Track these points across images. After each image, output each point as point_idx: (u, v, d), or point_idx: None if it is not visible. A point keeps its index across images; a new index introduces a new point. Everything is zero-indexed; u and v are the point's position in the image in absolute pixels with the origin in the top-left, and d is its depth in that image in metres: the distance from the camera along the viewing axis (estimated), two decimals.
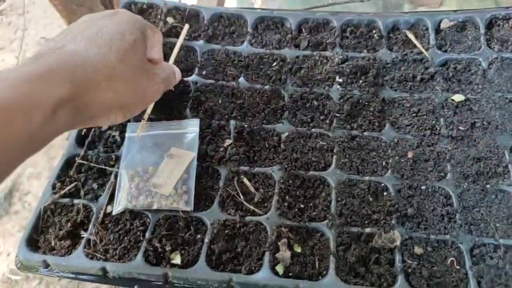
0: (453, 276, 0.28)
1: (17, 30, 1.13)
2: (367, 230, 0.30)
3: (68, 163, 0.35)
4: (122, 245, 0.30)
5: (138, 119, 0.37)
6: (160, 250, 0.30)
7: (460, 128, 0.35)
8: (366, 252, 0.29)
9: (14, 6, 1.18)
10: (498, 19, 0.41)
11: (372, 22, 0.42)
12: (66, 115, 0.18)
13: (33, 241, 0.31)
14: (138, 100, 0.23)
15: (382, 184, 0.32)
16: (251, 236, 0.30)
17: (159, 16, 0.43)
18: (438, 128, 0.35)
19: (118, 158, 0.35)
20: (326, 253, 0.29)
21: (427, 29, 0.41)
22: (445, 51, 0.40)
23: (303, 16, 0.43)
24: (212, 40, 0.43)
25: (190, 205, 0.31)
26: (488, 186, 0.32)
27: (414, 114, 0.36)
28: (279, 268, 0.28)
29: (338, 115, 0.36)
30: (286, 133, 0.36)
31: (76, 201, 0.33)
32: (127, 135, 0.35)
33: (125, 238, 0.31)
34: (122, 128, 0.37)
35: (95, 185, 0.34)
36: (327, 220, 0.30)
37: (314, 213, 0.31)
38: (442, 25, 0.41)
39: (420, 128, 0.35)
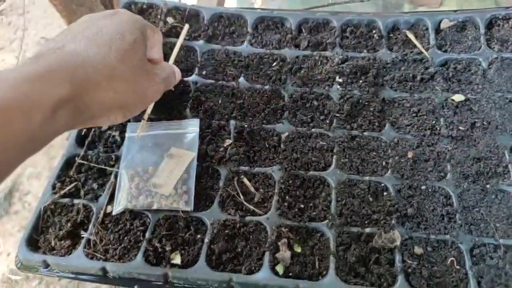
0: (453, 276, 0.28)
1: (17, 30, 1.13)
2: (367, 230, 0.30)
3: (68, 163, 0.35)
4: (122, 245, 0.30)
5: (138, 119, 0.37)
6: (160, 250, 0.30)
7: (460, 128, 0.35)
8: (366, 252, 0.29)
9: (14, 6, 1.18)
10: (498, 19, 0.41)
11: (372, 22, 0.42)
12: (66, 115, 0.18)
13: (33, 241, 0.31)
14: (138, 100, 0.23)
15: (382, 184, 0.32)
16: (251, 236, 0.30)
17: (159, 16, 0.43)
18: (438, 128, 0.35)
19: (118, 158, 0.35)
20: (326, 253, 0.29)
21: (427, 29, 0.41)
22: (445, 51, 0.40)
23: (303, 16, 0.43)
24: (212, 40, 0.43)
25: (190, 205, 0.31)
26: (488, 186, 0.32)
27: (414, 114, 0.36)
28: (279, 268, 0.29)
29: (338, 115, 0.36)
30: (286, 133, 0.36)
31: (76, 201, 0.33)
32: (127, 135, 0.35)
33: (125, 238, 0.31)
34: (122, 128, 0.37)
35: (95, 185, 0.34)
36: (327, 220, 0.30)
37: (314, 213, 0.31)
38: (442, 25, 0.42)
39: (420, 128, 0.35)
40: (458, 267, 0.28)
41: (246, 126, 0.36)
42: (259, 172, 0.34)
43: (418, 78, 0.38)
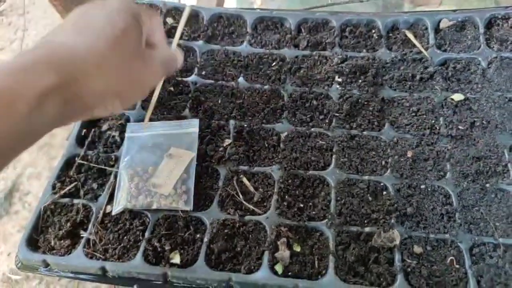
0: (452, 275, 0.28)
1: (17, 31, 1.13)
2: (367, 229, 0.30)
3: (68, 163, 0.35)
4: (122, 245, 0.30)
5: (139, 119, 0.38)
6: (159, 249, 0.30)
7: (460, 127, 0.35)
8: (366, 251, 0.29)
9: (14, 6, 1.19)
10: (497, 19, 0.41)
11: (371, 22, 0.42)
12: (55, 105, 0.17)
13: (33, 241, 0.31)
14: (135, 86, 0.22)
15: (382, 184, 0.32)
16: (250, 236, 0.30)
17: None
18: (437, 128, 0.35)
19: (117, 158, 0.35)
20: (325, 253, 0.29)
21: (426, 28, 0.41)
22: (445, 50, 0.40)
23: (303, 16, 0.43)
24: (211, 41, 0.43)
25: (190, 204, 0.32)
26: (487, 185, 0.32)
27: (413, 114, 0.36)
28: (278, 268, 0.29)
29: (337, 114, 0.36)
30: (286, 133, 0.36)
31: (75, 201, 0.33)
32: (126, 135, 0.35)
33: (125, 237, 0.31)
34: (122, 128, 0.37)
35: (94, 185, 0.34)
36: (326, 220, 0.30)
37: (314, 212, 0.31)
38: (442, 25, 0.42)
39: (420, 127, 0.35)
40: (457, 266, 0.28)
41: (245, 125, 0.36)
42: (258, 172, 0.34)
43: (418, 77, 0.38)
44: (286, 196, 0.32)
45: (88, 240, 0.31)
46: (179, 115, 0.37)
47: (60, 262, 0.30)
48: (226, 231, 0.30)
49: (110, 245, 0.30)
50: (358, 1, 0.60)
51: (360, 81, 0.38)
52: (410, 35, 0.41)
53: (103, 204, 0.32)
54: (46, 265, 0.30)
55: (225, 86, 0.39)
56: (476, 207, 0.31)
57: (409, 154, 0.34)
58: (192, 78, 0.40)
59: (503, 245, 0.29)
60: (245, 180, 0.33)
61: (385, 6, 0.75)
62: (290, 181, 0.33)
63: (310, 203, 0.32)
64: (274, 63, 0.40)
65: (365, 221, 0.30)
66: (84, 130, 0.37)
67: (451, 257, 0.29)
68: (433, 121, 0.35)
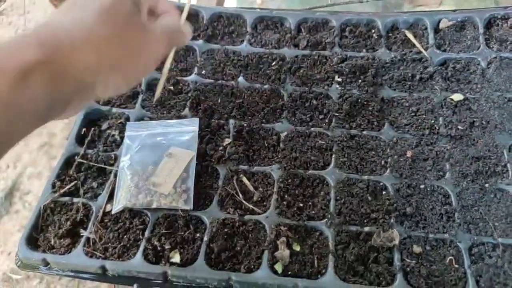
0: (451, 275, 0.28)
1: (17, 30, 1.13)
2: (366, 229, 0.30)
3: (68, 162, 0.35)
4: (122, 244, 0.30)
5: (138, 118, 0.38)
6: (159, 248, 0.30)
7: (459, 127, 0.35)
8: (365, 251, 0.29)
9: (14, 6, 1.19)
10: (497, 19, 0.41)
11: (371, 22, 0.42)
12: (42, 80, 0.16)
13: (33, 240, 0.31)
14: (134, 58, 0.20)
15: (381, 183, 0.32)
16: (250, 235, 0.30)
17: None
18: (437, 127, 0.35)
19: (117, 157, 0.35)
20: (325, 252, 0.29)
21: (426, 28, 0.42)
22: (444, 50, 0.40)
23: (302, 15, 0.43)
24: (211, 40, 0.43)
25: (190, 204, 0.32)
26: (487, 185, 0.32)
27: (413, 114, 0.36)
28: (278, 267, 0.29)
29: (337, 114, 0.36)
30: (285, 132, 0.36)
31: (75, 199, 0.33)
32: (126, 134, 0.36)
33: (125, 236, 0.31)
34: (121, 127, 0.37)
35: (94, 184, 0.34)
36: (326, 219, 0.30)
37: (313, 212, 0.31)
38: (441, 25, 0.42)
39: (419, 127, 0.35)
40: (456, 266, 0.28)
41: (245, 125, 0.36)
42: (258, 171, 0.34)
43: (417, 77, 0.38)
44: (286, 196, 0.32)
45: (88, 239, 0.31)
46: (179, 114, 0.37)
47: (60, 261, 0.30)
48: (226, 230, 0.30)
49: (110, 244, 0.30)
50: (358, 1, 0.60)
51: (359, 81, 0.38)
52: (410, 35, 0.41)
53: (103, 203, 0.32)
54: (46, 264, 0.30)
55: (225, 85, 0.39)
56: (475, 207, 0.31)
57: (409, 154, 0.34)
58: (192, 77, 0.40)
59: (502, 245, 0.29)
60: (244, 179, 0.33)
61: (385, 6, 0.75)
62: (289, 180, 0.33)
63: (310, 203, 0.32)
64: (274, 63, 0.40)
65: (365, 221, 0.30)
66: (84, 129, 0.37)
67: (450, 257, 0.29)
68: (433, 121, 0.36)
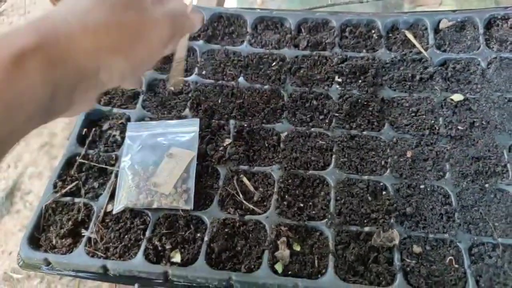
0: (451, 275, 0.28)
1: None
2: (366, 229, 0.30)
3: (69, 162, 0.36)
4: (123, 244, 0.30)
5: (139, 118, 0.38)
6: (160, 248, 0.30)
7: (459, 127, 0.35)
8: (365, 250, 0.29)
9: (15, 6, 1.19)
10: (497, 19, 0.41)
11: (371, 22, 0.43)
12: (40, 66, 0.16)
13: (35, 240, 0.31)
14: (134, 42, 0.19)
15: (381, 183, 0.32)
16: (250, 235, 0.30)
17: None
18: (437, 128, 0.35)
19: (118, 158, 0.35)
20: (325, 252, 0.29)
21: (426, 29, 0.42)
22: (444, 50, 0.40)
23: (303, 16, 0.43)
24: (211, 40, 0.43)
25: (190, 204, 0.32)
26: (487, 185, 0.32)
27: (413, 114, 0.36)
28: (278, 267, 0.29)
29: (337, 114, 0.36)
30: (286, 133, 0.36)
31: (77, 199, 0.33)
32: (127, 134, 0.36)
33: (126, 236, 0.31)
34: (122, 127, 0.37)
35: (95, 184, 0.34)
36: (326, 219, 0.31)
37: (313, 212, 0.31)
38: (441, 25, 0.42)
39: (419, 127, 0.35)
40: (456, 266, 0.28)
41: (245, 125, 0.36)
42: (258, 171, 0.34)
43: (417, 77, 0.38)
44: (286, 196, 0.32)
45: (89, 238, 0.31)
46: (180, 114, 0.37)
47: (61, 260, 0.30)
48: (226, 230, 0.30)
49: (111, 244, 0.30)
50: (358, 1, 0.60)
51: (360, 81, 0.38)
52: (410, 36, 0.41)
53: (104, 203, 0.32)
54: (48, 263, 0.30)
55: (225, 86, 0.39)
56: (475, 207, 0.31)
57: (409, 154, 0.34)
58: (192, 77, 0.40)
59: (502, 245, 0.29)
60: (245, 179, 0.33)
61: (385, 6, 0.75)
62: (290, 180, 0.33)
63: (310, 203, 0.32)
64: (274, 63, 0.40)
65: (365, 221, 0.31)
66: (85, 129, 0.37)
67: (450, 257, 0.29)
68: (433, 121, 0.36)
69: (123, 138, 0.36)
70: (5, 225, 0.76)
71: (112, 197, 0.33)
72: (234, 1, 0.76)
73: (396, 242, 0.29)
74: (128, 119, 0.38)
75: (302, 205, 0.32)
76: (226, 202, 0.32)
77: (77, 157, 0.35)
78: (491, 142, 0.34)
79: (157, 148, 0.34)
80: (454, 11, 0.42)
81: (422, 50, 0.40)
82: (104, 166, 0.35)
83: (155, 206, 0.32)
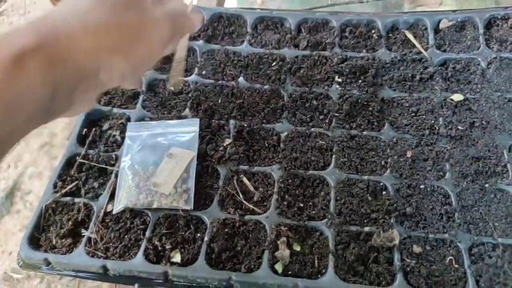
0: (451, 275, 0.28)
1: None
2: (366, 229, 0.30)
3: (69, 162, 0.36)
4: (123, 244, 0.30)
5: (139, 118, 0.38)
6: (160, 248, 0.30)
7: (459, 127, 0.35)
8: (365, 251, 0.29)
9: (15, 6, 1.19)
10: (497, 19, 0.41)
11: (371, 22, 0.43)
12: (40, 66, 0.16)
13: (35, 240, 0.31)
14: (134, 41, 0.19)
15: (381, 183, 0.32)
16: (250, 235, 0.30)
17: None
18: (437, 128, 0.35)
19: (118, 158, 0.35)
20: (325, 252, 0.29)
21: (426, 29, 0.42)
22: (444, 51, 0.40)
23: (303, 16, 0.43)
24: (211, 40, 0.43)
25: (190, 204, 0.32)
26: (487, 185, 0.32)
27: (413, 114, 0.36)
28: (278, 267, 0.29)
29: (337, 114, 0.36)
30: (286, 133, 0.36)
31: (77, 199, 0.33)
32: (127, 134, 0.36)
33: (126, 236, 0.31)
34: (122, 127, 0.37)
35: (95, 184, 0.34)
36: (326, 219, 0.31)
37: (313, 212, 0.31)
38: (441, 25, 0.42)
39: (419, 127, 0.35)
40: (456, 266, 0.28)
41: (245, 125, 0.36)
42: (258, 171, 0.34)
43: (417, 77, 0.38)
44: (286, 196, 0.32)
45: (89, 238, 0.31)
46: (180, 114, 0.38)
47: (61, 260, 0.30)
48: (226, 230, 0.30)
49: (111, 244, 0.30)
50: (358, 1, 0.60)
51: (360, 81, 0.38)
52: (410, 36, 0.41)
53: (104, 203, 0.32)
54: (48, 263, 0.30)
55: (225, 86, 0.39)
56: (475, 207, 0.31)
57: (409, 154, 0.34)
58: (192, 77, 0.40)
59: (502, 245, 0.29)
60: (245, 179, 0.33)
61: (385, 6, 0.75)
62: (290, 180, 0.33)
63: (310, 203, 0.32)
64: (274, 63, 0.40)
65: (365, 221, 0.31)
66: (85, 129, 0.37)
67: (450, 257, 0.29)
68: (433, 121, 0.36)
69: (123, 138, 0.36)
70: (5, 225, 0.76)
71: (112, 197, 0.33)
72: (234, 1, 0.76)
73: (396, 242, 0.29)
74: (128, 119, 0.38)
75: (302, 205, 0.32)
76: (226, 202, 0.32)
77: (77, 157, 0.35)
78: (491, 142, 0.34)
79: (157, 148, 0.34)
80: (454, 11, 0.42)
81: (422, 50, 0.40)
82: (104, 166, 0.35)
83: (155, 206, 0.32)
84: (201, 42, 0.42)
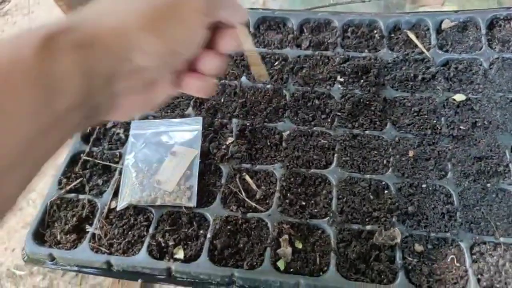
0: (453, 274, 0.28)
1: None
2: (368, 227, 0.30)
3: (74, 159, 0.36)
4: (126, 240, 0.31)
5: (144, 117, 0.38)
6: (163, 244, 0.30)
7: (461, 127, 0.35)
8: (367, 249, 0.29)
9: (19, 6, 1.20)
10: (499, 20, 0.41)
11: (373, 22, 0.43)
12: (67, 48, 0.15)
13: (40, 235, 0.32)
14: (165, 16, 0.17)
15: (383, 182, 0.33)
16: (252, 232, 0.31)
17: None
18: (439, 127, 0.35)
19: (122, 155, 0.35)
20: (327, 250, 0.29)
21: (428, 29, 0.42)
22: (446, 51, 0.40)
23: (305, 16, 0.44)
24: None
25: (193, 201, 0.32)
26: (488, 185, 0.32)
27: (415, 114, 0.37)
28: (280, 264, 0.29)
29: (339, 114, 0.37)
30: (288, 132, 0.36)
31: (81, 196, 0.34)
32: (131, 132, 0.36)
33: (129, 232, 0.31)
34: (126, 126, 0.37)
35: (100, 181, 0.34)
36: (328, 217, 0.31)
37: (315, 210, 0.32)
38: (443, 26, 0.42)
39: (421, 127, 0.36)
40: (458, 264, 0.29)
41: (248, 124, 0.36)
42: (261, 170, 0.34)
43: (419, 77, 0.39)
44: (288, 194, 0.32)
45: (93, 234, 0.31)
46: (183, 113, 0.38)
47: (66, 256, 0.30)
48: (229, 227, 0.31)
49: (115, 240, 0.31)
50: (360, 1, 0.60)
51: (362, 81, 0.39)
52: (412, 36, 0.41)
53: (108, 199, 0.33)
54: (52, 258, 0.31)
55: (228, 85, 0.39)
56: (477, 207, 0.31)
57: (411, 153, 0.34)
58: None
59: (504, 244, 0.29)
60: (247, 177, 0.33)
61: (387, 7, 0.75)
62: (292, 179, 0.33)
63: (312, 201, 0.32)
64: (276, 63, 0.41)
65: (367, 219, 0.31)
66: (89, 127, 0.38)
67: (451, 256, 0.29)
68: (435, 121, 0.36)
69: (127, 136, 0.36)
70: (8, 223, 0.76)
71: (116, 194, 0.33)
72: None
73: (398, 240, 0.29)
74: (132, 117, 0.38)
75: (304, 203, 0.32)
76: (228, 200, 0.32)
77: (82, 155, 0.36)
78: (493, 142, 0.34)
79: (161, 146, 0.35)
80: (456, 11, 0.43)
81: (424, 50, 0.40)
82: (108, 163, 0.35)
83: (158, 203, 0.32)
84: None
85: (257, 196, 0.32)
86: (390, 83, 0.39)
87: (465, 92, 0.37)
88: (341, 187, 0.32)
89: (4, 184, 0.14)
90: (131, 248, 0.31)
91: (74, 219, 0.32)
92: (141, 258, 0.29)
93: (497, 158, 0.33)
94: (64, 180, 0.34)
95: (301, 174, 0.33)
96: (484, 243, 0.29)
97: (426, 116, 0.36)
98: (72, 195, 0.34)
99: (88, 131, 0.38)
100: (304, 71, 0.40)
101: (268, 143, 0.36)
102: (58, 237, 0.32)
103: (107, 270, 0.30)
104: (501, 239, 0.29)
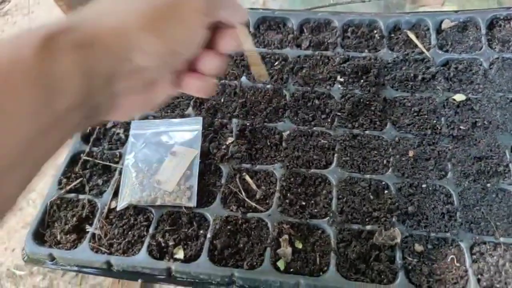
0: (453, 274, 0.28)
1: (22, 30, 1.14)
2: (368, 227, 0.30)
3: (74, 159, 0.36)
4: (126, 240, 0.31)
5: (144, 117, 0.38)
6: (163, 244, 0.30)
7: (461, 127, 0.35)
8: (367, 249, 0.29)
9: (19, 6, 1.20)
10: (499, 20, 0.41)
11: (373, 22, 0.43)
12: (66, 48, 0.15)
13: (40, 235, 0.32)
14: (164, 16, 0.17)
15: (383, 182, 0.33)
16: (252, 232, 0.31)
17: None
18: (439, 127, 0.35)
19: (122, 155, 0.35)
20: (327, 250, 0.29)
21: (428, 29, 0.42)
22: (446, 51, 0.40)
23: (305, 16, 0.44)
24: None
25: (193, 201, 0.32)
26: (488, 185, 0.32)
27: (415, 114, 0.37)
28: (280, 264, 0.29)
29: (339, 114, 0.37)
30: (288, 132, 0.36)
31: (81, 196, 0.34)
32: (131, 132, 0.36)
33: (129, 232, 0.31)
34: (126, 126, 0.37)
35: (100, 181, 0.34)
36: (328, 217, 0.31)
37: (315, 210, 0.32)
38: (443, 26, 0.42)
39: (421, 127, 0.36)
40: (458, 264, 0.29)
41: (248, 124, 0.36)
42: (260, 170, 0.34)
43: (419, 77, 0.39)
44: (288, 194, 0.32)
45: (93, 234, 0.31)
46: (183, 113, 0.38)
47: (66, 256, 0.30)
48: (229, 227, 0.31)
49: (115, 240, 0.31)
50: (360, 1, 0.60)
51: (362, 81, 0.39)
52: (412, 36, 0.41)
53: (108, 199, 0.33)
54: (52, 258, 0.31)
55: (228, 85, 0.39)
56: (477, 207, 0.31)
57: (411, 153, 0.34)
58: None
59: (504, 244, 0.29)
60: (247, 177, 0.33)
61: (387, 7, 0.75)
62: (292, 179, 0.33)
63: (312, 201, 0.32)
64: (276, 63, 0.41)
65: (367, 219, 0.31)
66: (89, 127, 0.38)
67: (451, 256, 0.29)
68: (435, 121, 0.36)
69: (127, 136, 0.36)
70: (8, 223, 0.76)
71: (116, 194, 0.33)
72: None
73: (398, 240, 0.29)
74: (132, 117, 0.38)
75: (304, 203, 0.32)
76: (228, 200, 0.32)
77: (82, 155, 0.36)
78: (493, 142, 0.34)
79: (161, 146, 0.35)
80: (456, 11, 0.43)
81: (424, 50, 0.40)
82: (108, 163, 0.35)
83: (158, 203, 0.32)
84: None
85: (257, 196, 0.32)
86: (390, 83, 0.39)
87: (465, 92, 0.37)
88: (341, 187, 0.32)
89: (4, 184, 0.14)
90: (131, 248, 0.31)
91: (74, 219, 0.32)
92: (141, 258, 0.29)
93: (497, 158, 0.33)
94: (64, 180, 0.35)
95: (301, 174, 0.33)
96: (484, 243, 0.29)
97: (426, 116, 0.36)
98: (72, 195, 0.34)
99: (88, 131, 0.38)
100: (304, 71, 0.40)
101: (268, 143, 0.36)
102: (58, 237, 0.32)
103: (107, 270, 0.30)
104: (501, 239, 0.29)
